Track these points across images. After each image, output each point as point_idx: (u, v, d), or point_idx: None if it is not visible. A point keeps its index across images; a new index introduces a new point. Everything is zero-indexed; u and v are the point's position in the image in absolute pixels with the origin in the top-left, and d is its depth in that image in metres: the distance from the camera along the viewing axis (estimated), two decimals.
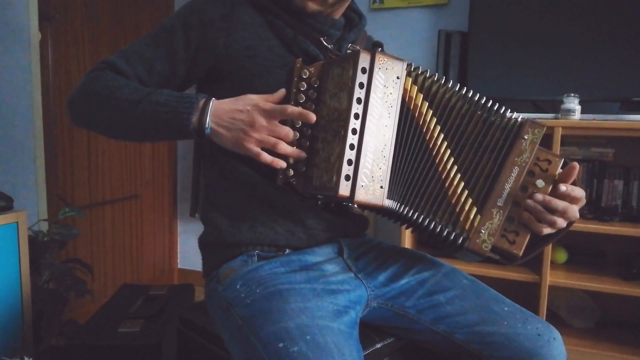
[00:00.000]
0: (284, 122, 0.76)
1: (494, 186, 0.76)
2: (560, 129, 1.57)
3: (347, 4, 0.92)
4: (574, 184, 0.76)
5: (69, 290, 1.49)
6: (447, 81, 0.78)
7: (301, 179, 0.78)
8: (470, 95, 0.78)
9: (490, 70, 1.80)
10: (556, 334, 0.82)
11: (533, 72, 1.75)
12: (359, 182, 0.70)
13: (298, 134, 0.77)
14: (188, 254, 2.61)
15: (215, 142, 0.78)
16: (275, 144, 0.74)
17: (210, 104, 0.76)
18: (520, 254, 0.76)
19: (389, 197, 0.75)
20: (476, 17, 1.81)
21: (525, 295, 1.60)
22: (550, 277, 1.64)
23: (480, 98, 0.78)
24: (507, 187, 0.76)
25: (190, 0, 0.88)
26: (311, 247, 0.89)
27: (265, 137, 0.74)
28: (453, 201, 0.77)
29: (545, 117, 1.68)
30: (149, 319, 1.41)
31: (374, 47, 0.96)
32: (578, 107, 1.60)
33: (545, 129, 0.77)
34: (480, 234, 0.76)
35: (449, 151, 0.77)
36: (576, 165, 0.75)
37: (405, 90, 0.75)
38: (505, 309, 0.83)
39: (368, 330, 0.88)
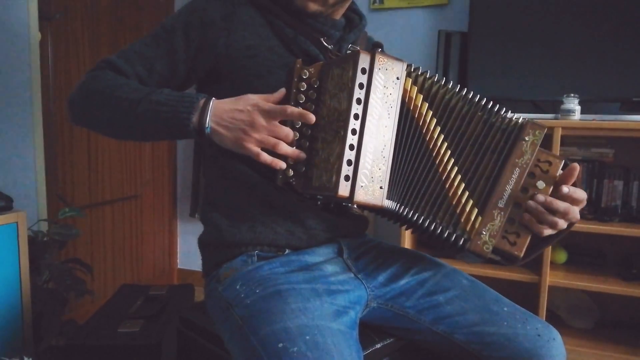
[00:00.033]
0: (284, 123, 0.76)
1: (495, 187, 0.76)
2: (560, 129, 1.57)
3: (347, 5, 0.92)
4: (574, 184, 0.76)
5: (69, 290, 1.49)
6: (447, 82, 0.78)
7: (301, 179, 0.78)
8: (470, 97, 0.78)
9: (490, 70, 1.80)
10: (556, 334, 0.82)
11: (533, 72, 1.75)
12: (359, 183, 0.70)
13: (298, 134, 0.77)
14: (188, 254, 2.61)
15: (215, 141, 0.78)
16: (275, 144, 0.74)
17: (211, 103, 0.76)
18: (522, 255, 0.76)
19: (389, 197, 0.75)
20: (476, 17, 1.81)
21: (524, 296, 1.60)
22: (550, 278, 1.64)
23: (480, 99, 0.78)
24: (508, 188, 0.76)
25: (190, 0, 0.88)
26: (311, 247, 0.89)
27: (265, 138, 0.74)
28: (453, 202, 0.77)
29: (545, 118, 1.68)
30: (148, 319, 1.41)
31: (374, 48, 0.96)
32: (578, 108, 1.60)
33: (545, 130, 0.77)
34: (482, 236, 0.76)
35: (449, 152, 0.77)
36: (577, 166, 0.75)
37: (405, 90, 0.75)
38: (505, 309, 0.83)
39: (368, 330, 0.88)
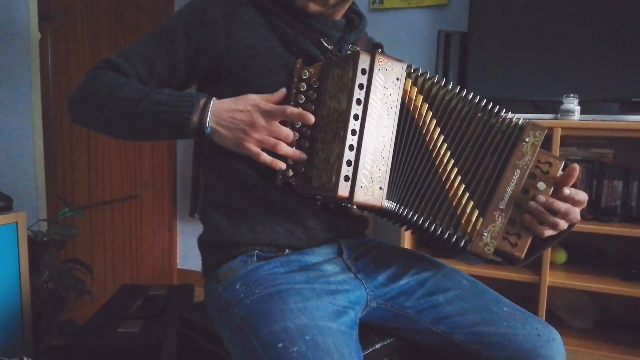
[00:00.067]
0: (284, 123, 0.76)
1: (496, 189, 0.76)
2: (560, 129, 1.57)
3: (348, 5, 0.92)
4: (574, 185, 0.76)
5: (69, 290, 1.49)
6: (447, 83, 0.78)
7: (300, 180, 0.78)
8: (470, 98, 0.78)
9: (490, 70, 1.80)
10: (555, 334, 0.82)
11: (533, 72, 1.75)
12: (358, 183, 0.70)
13: (297, 135, 0.77)
14: (187, 254, 2.61)
15: (215, 141, 0.78)
16: (275, 144, 0.74)
17: (211, 103, 0.76)
18: (523, 256, 0.76)
19: (388, 198, 0.75)
20: (476, 18, 1.81)
21: (524, 296, 1.60)
22: (550, 278, 1.64)
23: (480, 100, 0.78)
24: (509, 189, 0.76)
25: (191, 0, 0.88)
26: (311, 247, 0.89)
27: (265, 138, 0.74)
28: (454, 203, 0.77)
29: (544, 118, 1.68)
30: (148, 319, 1.41)
31: (374, 49, 0.96)
32: (577, 108, 1.60)
33: (546, 131, 0.77)
34: (483, 237, 0.76)
35: (449, 153, 0.77)
36: (577, 167, 0.75)
37: (405, 91, 0.75)
38: (505, 309, 0.83)
39: (367, 330, 0.88)
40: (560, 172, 0.77)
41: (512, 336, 0.79)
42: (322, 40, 0.86)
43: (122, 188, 2.18)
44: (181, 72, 0.87)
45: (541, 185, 0.76)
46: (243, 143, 0.74)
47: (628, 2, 1.64)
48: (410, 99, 0.76)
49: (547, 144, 1.56)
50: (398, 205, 0.77)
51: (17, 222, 1.34)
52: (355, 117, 0.71)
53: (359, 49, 0.85)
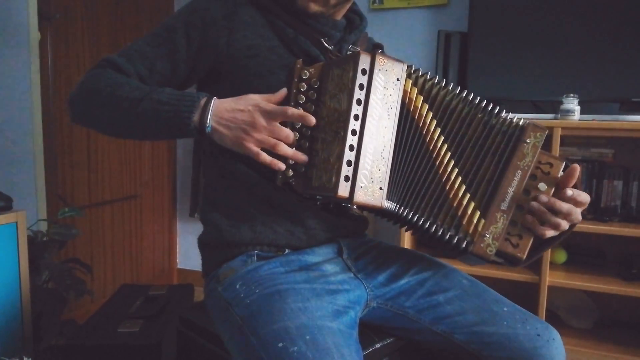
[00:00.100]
0: (284, 124, 0.76)
1: (497, 190, 0.76)
2: (560, 129, 1.57)
3: (348, 5, 0.92)
4: (575, 186, 0.76)
5: (69, 290, 1.49)
6: (447, 84, 0.78)
7: (300, 179, 0.78)
8: (470, 98, 0.78)
9: (490, 70, 1.80)
10: (555, 334, 0.82)
11: (533, 72, 1.75)
12: (358, 183, 0.70)
13: (297, 135, 0.77)
14: (187, 254, 2.61)
15: (215, 141, 0.78)
16: (275, 145, 0.74)
17: (212, 102, 0.76)
18: (524, 257, 0.76)
19: (388, 198, 0.75)
20: (476, 18, 1.81)
21: (524, 296, 1.60)
22: (550, 278, 1.64)
23: (480, 101, 0.78)
24: (510, 190, 0.76)
25: (192, 0, 0.88)
26: (311, 247, 0.89)
27: (265, 138, 0.74)
28: (455, 204, 0.77)
29: (544, 118, 1.68)
30: (148, 319, 1.41)
31: (375, 49, 0.97)
32: (577, 108, 1.60)
33: (547, 132, 0.77)
34: (485, 238, 0.76)
35: (449, 154, 0.77)
36: (577, 167, 0.76)
37: (405, 92, 0.75)
38: (505, 309, 0.83)
39: (367, 330, 0.88)
40: (561, 173, 0.77)
41: (512, 336, 0.79)
42: (322, 40, 0.86)
43: (122, 188, 2.18)
44: (182, 71, 0.87)
45: (542, 186, 0.76)
46: (243, 142, 0.74)
47: (628, 2, 1.64)
48: (410, 99, 0.76)
49: (547, 144, 1.56)
50: (398, 206, 0.77)
51: (17, 222, 1.34)
52: (356, 117, 0.71)
53: (359, 49, 0.85)
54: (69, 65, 1.86)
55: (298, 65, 0.77)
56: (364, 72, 0.71)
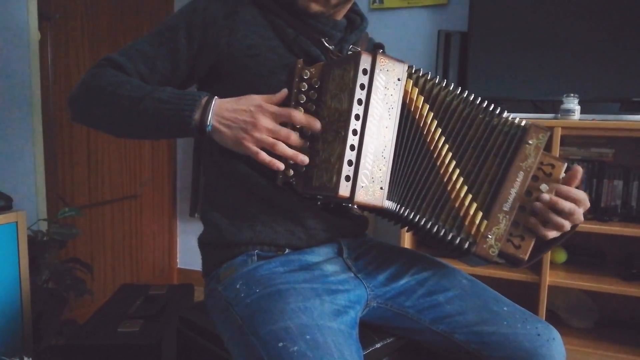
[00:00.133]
0: (284, 124, 0.76)
1: (500, 191, 0.76)
2: (560, 129, 1.57)
3: (349, 6, 0.92)
4: (577, 187, 0.76)
5: (69, 290, 1.49)
6: (448, 84, 0.78)
7: (301, 179, 0.78)
8: (471, 99, 0.78)
9: (490, 70, 1.80)
10: (555, 334, 0.82)
11: (533, 72, 1.75)
12: (359, 183, 0.70)
13: (298, 134, 0.77)
14: (188, 254, 2.61)
15: (215, 140, 0.78)
16: (274, 144, 0.74)
17: (213, 102, 0.76)
18: (526, 258, 0.76)
19: (389, 198, 0.75)
20: (476, 17, 1.81)
21: (524, 295, 1.60)
22: (550, 277, 1.64)
23: (481, 102, 0.78)
24: (513, 192, 0.76)
25: None
26: (311, 247, 0.89)
27: (264, 137, 0.74)
28: (456, 205, 0.77)
29: (544, 118, 1.68)
30: (148, 319, 1.41)
31: (375, 49, 0.96)
32: (577, 108, 1.60)
33: (549, 133, 0.77)
34: (487, 239, 0.76)
35: (450, 154, 0.77)
36: (580, 169, 0.76)
37: (406, 92, 0.75)
38: (505, 309, 0.83)
39: (368, 330, 0.88)
40: (562, 174, 0.77)
41: (512, 336, 0.79)
42: (323, 40, 0.86)
43: (122, 188, 2.18)
44: (182, 71, 0.87)
45: (544, 187, 0.76)
46: (242, 142, 0.74)
47: (628, 2, 1.64)
48: (411, 99, 0.76)
49: (547, 143, 1.53)
50: (399, 206, 0.77)
51: (17, 222, 1.34)
52: (357, 117, 0.71)
53: (360, 49, 0.85)
54: (69, 65, 1.86)
55: (299, 65, 0.77)
56: (365, 72, 0.71)
